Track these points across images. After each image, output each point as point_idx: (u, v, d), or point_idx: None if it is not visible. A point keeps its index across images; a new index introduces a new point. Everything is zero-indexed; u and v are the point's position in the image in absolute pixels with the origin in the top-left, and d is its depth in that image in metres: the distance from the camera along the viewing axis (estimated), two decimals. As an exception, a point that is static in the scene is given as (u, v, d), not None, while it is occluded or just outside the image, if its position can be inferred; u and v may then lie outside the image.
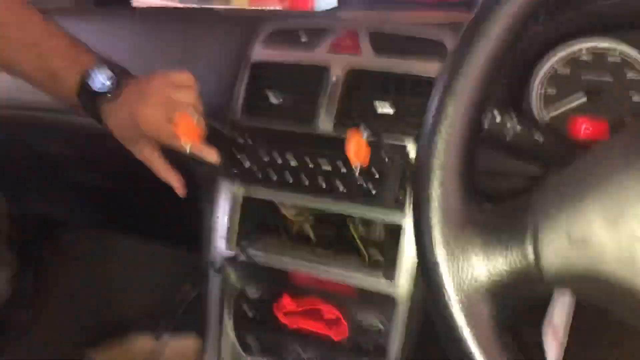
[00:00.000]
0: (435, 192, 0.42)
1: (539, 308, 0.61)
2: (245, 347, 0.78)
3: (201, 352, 0.80)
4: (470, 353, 0.39)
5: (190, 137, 0.66)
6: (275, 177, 0.74)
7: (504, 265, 0.39)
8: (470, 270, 0.40)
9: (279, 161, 0.74)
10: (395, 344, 0.70)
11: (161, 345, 0.76)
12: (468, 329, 0.39)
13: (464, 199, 0.42)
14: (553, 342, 0.62)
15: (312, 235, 0.84)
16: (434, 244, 0.41)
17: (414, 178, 0.44)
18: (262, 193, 0.77)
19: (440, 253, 0.41)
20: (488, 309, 0.39)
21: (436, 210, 0.42)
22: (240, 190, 0.78)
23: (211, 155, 0.71)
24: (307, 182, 0.73)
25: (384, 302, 0.71)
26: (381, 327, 0.73)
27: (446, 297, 0.40)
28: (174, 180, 0.75)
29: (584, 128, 0.65)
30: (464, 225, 0.41)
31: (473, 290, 0.40)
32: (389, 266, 0.74)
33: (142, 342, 1.33)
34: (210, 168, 0.79)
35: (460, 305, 0.39)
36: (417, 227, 0.42)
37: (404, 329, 0.70)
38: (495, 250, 0.40)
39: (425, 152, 0.43)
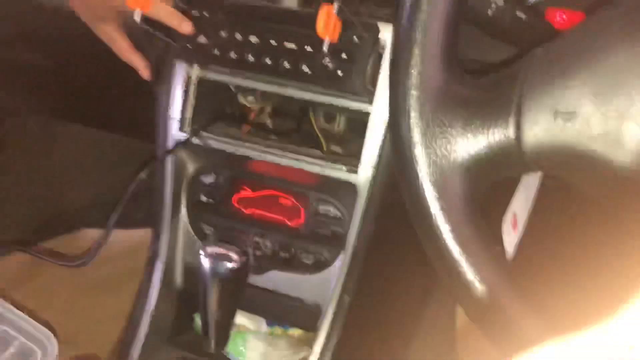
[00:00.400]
0: (416, 66, 0.39)
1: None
2: (200, 234, 0.77)
3: (154, 241, 0.78)
4: (440, 229, 0.38)
5: (138, 2, 0.61)
6: (234, 56, 0.69)
7: (483, 141, 0.37)
8: (448, 146, 0.38)
9: (239, 37, 0.69)
10: (354, 231, 0.69)
11: (110, 236, 0.73)
12: (439, 205, 0.38)
13: (446, 73, 0.39)
14: (511, 230, 0.63)
15: (270, 125, 0.81)
16: (410, 115, 0.39)
17: (393, 51, 0.41)
18: (219, 74, 0.72)
19: (415, 125, 0.39)
20: (462, 186, 0.38)
21: (415, 80, 0.39)
22: (195, 71, 0.73)
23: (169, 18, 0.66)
24: (269, 62, 0.68)
25: (344, 191, 0.70)
26: (339, 214, 0.72)
27: (421, 174, 0.38)
28: (138, 61, 0.71)
29: (559, 15, 0.62)
30: (445, 99, 0.39)
31: (449, 167, 0.38)
32: (351, 157, 0.72)
33: (92, 235, 1.30)
34: (163, 48, 0.74)
35: (434, 181, 0.38)
36: (395, 101, 0.40)
37: (362, 216, 0.69)
38: (475, 125, 0.38)
39: (406, 25, 0.40)
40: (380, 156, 0.67)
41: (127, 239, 1.13)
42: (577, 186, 0.38)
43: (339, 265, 0.71)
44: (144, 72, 0.73)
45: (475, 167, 0.38)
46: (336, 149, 0.80)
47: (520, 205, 0.64)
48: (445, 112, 0.38)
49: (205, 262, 0.63)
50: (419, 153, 0.38)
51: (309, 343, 0.79)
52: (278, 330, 0.81)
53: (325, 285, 0.73)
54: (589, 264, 0.78)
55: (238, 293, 0.66)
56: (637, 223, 0.37)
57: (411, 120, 0.38)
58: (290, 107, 0.80)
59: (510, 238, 0.63)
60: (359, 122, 0.70)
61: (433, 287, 0.96)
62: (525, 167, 0.38)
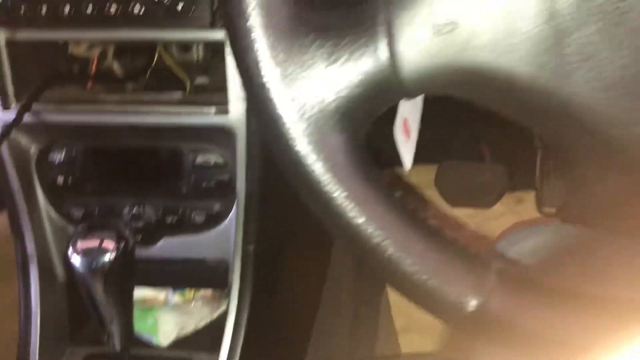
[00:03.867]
0: None
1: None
2: (67, 217, 0.66)
3: (19, 241, 0.67)
4: (330, 192, 0.31)
5: None
6: (44, 10, 0.56)
7: (355, 77, 0.30)
8: (313, 90, 0.30)
9: None
10: (241, 177, 0.62)
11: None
12: (321, 166, 0.31)
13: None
14: (405, 138, 0.58)
15: (118, 70, 0.69)
16: (261, 62, 0.31)
17: None
18: (32, 34, 0.59)
19: (271, 75, 0.31)
20: (341, 135, 0.31)
21: (258, 17, 0.30)
22: (1, 35, 0.59)
23: None
24: (90, 10, 0.56)
25: (220, 134, 0.61)
26: (221, 160, 0.64)
27: (289, 132, 0.31)
28: None
29: None
30: (298, 33, 0.31)
31: (320, 116, 0.31)
32: (218, 92, 0.63)
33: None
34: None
35: (308, 138, 0.30)
36: (236, 44, 0.31)
37: (246, 158, 0.61)
38: (342, 59, 0.30)
39: None
40: None
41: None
42: (472, 101, 0.33)
43: (235, 215, 0.65)
44: None
45: (352, 109, 0.31)
46: (202, 80, 0.70)
47: (409, 108, 0.58)
48: (303, 50, 0.30)
49: (78, 260, 0.54)
50: (284, 109, 0.30)
51: (225, 297, 0.73)
52: (189, 293, 0.74)
53: (226, 238, 0.66)
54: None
55: (127, 281, 0.58)
56: (542, 132, 0.32)
57: (265, 70, 0.30)
58: (136, 43, 0.68)
59: (406, 146, 0.58)
60: (220, 46, 0.60)
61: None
62: (408, 94, 0.32)
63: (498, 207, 1.18)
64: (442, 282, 0.32)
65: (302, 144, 0.31)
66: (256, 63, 0.30)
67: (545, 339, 0.32)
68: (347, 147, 0.31)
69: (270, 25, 0.30)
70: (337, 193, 0.31)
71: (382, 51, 0.30)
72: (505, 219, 1.17)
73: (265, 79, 0.31)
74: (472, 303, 0.32)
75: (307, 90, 0.31)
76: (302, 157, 0.31)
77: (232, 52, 0.32)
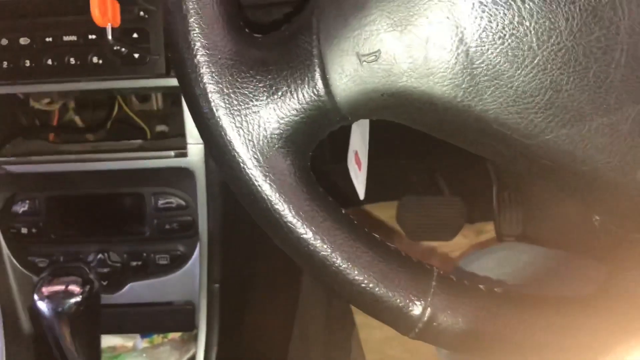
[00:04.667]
0: (197, 39, 0.33)
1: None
2: (32, 269, 0.67)
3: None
4: (279, 212, 0.33)
5: None
6: (5, 64, 0.58)
7: (295, 106, 0.33)
8: (258, 119, 0.33)
9: (4, 42, 0.58)
10: (202, 217, 0.64)
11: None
12: (269, 188, 0.33)
13: (234, 39, 0.34)
14: (357, 169, 0.61)
15: (78, 121, 0.72)
16: (207, 95, 0.34)
17: (166, 26, 0.35)
18: None
19: (218, 107, 0.33)
20: (287, 159, 0.34)
21: (202, 57, 0.33)
22: None
23: None
24: (51, 62, 0.59)
25: (180, 176, 0.64)
26: (183, 202, 0.66)
27: (238, 158, 0.33)
28: None
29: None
30: (240, 67, 0.34)
31: (266, 143, 0.33)
32: (177, 137, 0.66)
33: None
34: None
35: (255, 163, 0.33)
36: (187, 85, 0.34)
37: (207, 198, 0.64)
38: (282, 90, 0.33)
39: None
40: None
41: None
42: (404, 124, 0.36)
43: (199, 256, 0.66)
44: None
45: (294, 134, 0.34)
46: (162, 128, 0.73)
47: (358, 141, 0.62)
48: (246, 84, 0.33)
49: (44, 305, 0.55)
50: (232, 136, 0.33)
51: (193, 339, 0.74)
52: (157, 338, 0.75)
53: (191, 280, 0.68)
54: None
55: (93, 324, 0.59)
56: (471, 145, 0.35)
57: (212, 104, 0.33)
58: (95, 95, 0.71)
59: (359, 177, 0.61)
60: (176, 92, 0.63)
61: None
62: (345, 119, 0.35)
63: (460, 239, 1.21)
64: (388, 289, 0.34)
65: (250, 168, 0.33)
66: (203, 96, 0.33)
67: (488, 338, 0.35)
68: (292, 169, 0.34)
69: (215, 62, 0.33)
70: (286, 211, 0.34)
71: (318, 81, 0.33)
72: (468, 250, 1.20)
73: (212, 111, 0.33)
74: (417, 306, 0.34)
75: (251, 119, 0.33)
76: (251, 181, 0.34)
77: (181, 88, 0.35)
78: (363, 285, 0.34)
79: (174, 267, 0.67)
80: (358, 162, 0.61)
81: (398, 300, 0.34)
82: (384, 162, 0.67)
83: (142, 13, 0.57)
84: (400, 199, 1.15)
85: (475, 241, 1.24)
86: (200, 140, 0.62)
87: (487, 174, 1.22)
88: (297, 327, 0.91)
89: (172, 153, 0.63)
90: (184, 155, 0.62)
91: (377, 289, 0.34)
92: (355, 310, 1.17)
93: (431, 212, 1.14)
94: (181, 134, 0.65)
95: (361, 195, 0.60)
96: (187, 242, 0.67)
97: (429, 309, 0.34)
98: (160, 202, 0.66)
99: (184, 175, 0.64)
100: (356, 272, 0.34)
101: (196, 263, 0.67)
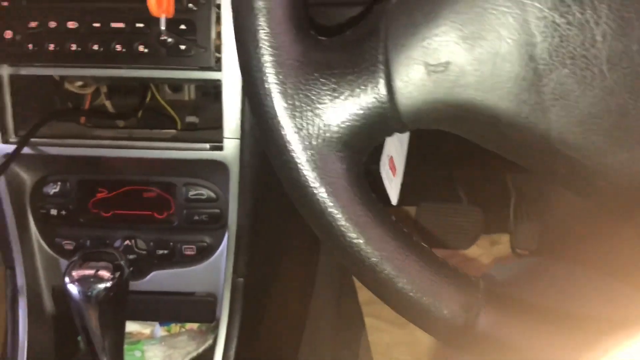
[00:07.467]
0: (266, 40, 0.33)
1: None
2: (59, 250, 0.67)
3: (9, 273, 0.68)
4: (332, 215, 0.34)
5: None
6: (52, 47, 0.59)
7: (356, 110, 0.33)
8: (319, 122, 0.33)
9: (54, 25, 0.58)
10: (232, 210, 0.64)
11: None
12: (324, 190, 0.34)
13: (301, 41, 0.34)
14: (391, 175, 0.61)
15: (110, 107, 0.72)
16: (272, 97, 0.34)
17: (236, 24, 0.35)
18: (38, 69, 0.62)
19: (280, 107, 0.34)
20: (343, 163, 0.34)
21: (269, 56, 0.34)
22: (5, 70, 0.62)
23: None
24: (97, 48, 0.59)
25: (213, 169, 0.64)
26: (213, 195, 0.66)
27: (297, 159, 0.34)
28: None
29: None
30: (305, 69, 0.34)
31: (323, 144, 0.34)
32: (210, 128, 0.66)
33: None
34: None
35: (314, 165, 0.33)
36: (251, 83, 0.34)
37: (238, 192, 0.64)
38: (344, 94, 0.33)
39: None
40: (243, 124, 0.62)
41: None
42: (463, 136, 0.36)
43: (225, 249, 0.66)
44: None
45: (353, 139, 0.34)
46: (192, 119, 0.73)
47: (395, 147, 0.62)
48: (310, 86, 0.34)
49: (74, 289, 0.55)
50: (291, 137, 0.33)
51: (211, 330, 0.74)
52: (175, 327, 0.75)
53: (215, 272, 0.68)
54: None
55: (121, 310, 0.59)
56: (524, 163, 0.36)
57: (275, 103, 0.33)
58: (127, 81, 0.71)
59: (392, 183, 0.61)
60: (213, 85, 0.63)
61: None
62: (403, 127, 0.35)
63: (474, 249, 1.21)
64: (435, 299, 0.35)
65: (307, 170, 0.34)
66: (267, 95, 0.34)
67: (530, 352, 0.35)
68: (347, 174, 0.34)
69: (280, 63, 0.34)
70: (339, 215, 0.34)
71: (382, 88, 0.33)
72: (482, 260, 1.20)
73: (274, 110, 0.34)
74: (462, 318, 0.34)
75: (312, 121, 0.34)
76: (306, 182, 0.34)
77: (244, 84, 0.35)
78: (411, 294, 0.35)
79: (199, 258, 0.68)
80: (392, 168, 0.61)
81: (445, 312, 0.35)
82: (405, 169, 0.67)
83: (190, 5, 0.57)
84: (418, 204, 1.15)
85: (489, 251, 1.24)
86: (237, 135, 0.62)
87: (505, 186, 1.22)
88: (308, 325, 0.92)
89: (207, 145, 0.63)
90: (220, 148, 0.62)
91: (424, 299, 0.35)
92: (366, 312, 1.18)
93: (449, 220, 1.14)
94: (211, 126, 0.65)
95: (394, 201, 0.60)
96: (214, 234, 0.67)
97: (474, 320, 0.35)
98: (191, 193, 0.66)
99: (217, 168, 0.64)
100: (405, 281, 0.35)
101: (221, 256, 0.67)
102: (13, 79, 0.62)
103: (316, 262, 0.99)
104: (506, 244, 1.24)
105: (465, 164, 1.05)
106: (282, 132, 0.34)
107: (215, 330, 0.70)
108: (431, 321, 0.35)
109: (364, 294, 1.17)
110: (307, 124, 0.34)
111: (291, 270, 0.85)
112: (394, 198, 0.61)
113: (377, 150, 0.61)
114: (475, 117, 0.33)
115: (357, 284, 1.12)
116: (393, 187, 0.61)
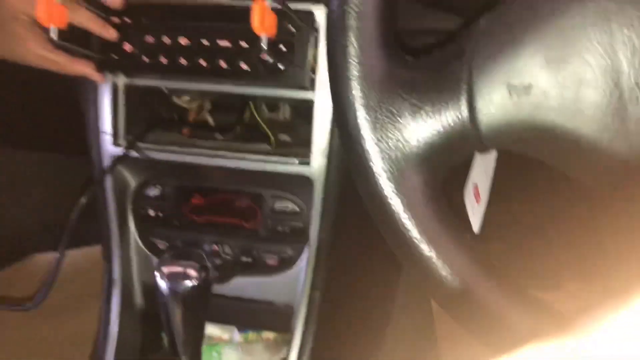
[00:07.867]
0: (355, 56, 0.36)
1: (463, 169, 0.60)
2: (154, 250, 0.72)
3: (107, 265, 0.74)
4: (405, 226, 0.35)
5: (54, 20, 0.56)
6: (165, 61, 0.64)
7: (437, 127, 0.35)
8: (399, 136, 0.35)
9: (167, 41, 0.64)
10: (315, 224, 0.67)
11: (61, 259, 0.69)
12: (400, 201, 0.35)
13: (387, 58, 0.36)
14: (475, 202, 0.61)
15: (212, 122, 0.77)
16: (355, 108, 0.36)
17: (328, 41, 0.38)
18: (150, 80, 0.68)
19: (362, 119, 0.36)
20: (421, 177, 0.35)
21: (355, 70, 0.36)
22: (122, 79, 0.68)
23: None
24: (204, 64, 0.64)
25: (299, 184, 0.67)
26: (297, 208, 0.69)
27: (375, 170, 0.35)
28: (84, 68, 0.65)
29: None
30: (389, 85, 0.36)
31: (403, 158, 0.35)
32: (300, 146, 0.69)
33: (43, 260, 1.24)
34: (83, 59, 0.68)
35: (391, 176, 0.35)
36: (338, 95, 0.37)
37: (321, 207, 0.66)
38: (426, 111, 0.35)
39: (338, 11, 0.36)
40: (331, 143, 0.64)
41: (81, 258, 1.08)
42: (540, 159, 0.36)
43: (305, 262, 0.69)
44: (96, 75, 0.66)
45: (432, 155, 0.35)
46: (285, 137, 0.76)
47: (480, 175, 0.62)
48: (392, 101, 0.35)
49: (163, 283, 0.59)
50: (371, 148, 0.35)
51: (286, 343, 0.76)
52: (252, 335, 0.78)
53: (293, 283, 0.70)
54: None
55: (203, 309, 0.62)
56: (601, 188, 0.35)
57: (358, 115, 0.35)
58: (229, 99, 0.76)
59: (475, 210, 0.61)
60: (306, 106, 0.67)
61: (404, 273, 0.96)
62: (482, 147, 0.36)
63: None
64: (501, 322, 0.35)
65: (385, 182, 0.35)
66: (351, 108, 0.36)
67: None
68: (424, 188, 0.35)
69: (367, 78, 0.36)
70: (412, 228, 0.35)
71: (463, 106, 0.34)
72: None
73: (357, 122, 0.36)
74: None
75: (392, 135, 0.35)
76: (383, 193, 0.35)
77: (331, 96, 0.37)
78: (479, 314, 0.35)
79: (280, 269, 0.70)
80: (477, 196, 0.61)
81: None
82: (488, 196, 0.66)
83: (292, 28, 0.61)
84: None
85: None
86: (324, 153, 0.65)
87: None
88: (383, 347, 0.92)
89: (296, 160, 0.66)
90: (307, 163, 0.65)
91: (492, 320, 0.35)
92: (440, 336, 1.15)
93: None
94: (303, 144, 0.68)
95: (476, 229, 0.60)
96: (296, 246, 0.69)
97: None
98: (277, 205, 0.69)
99: (303, 182, 0.67)
100: (473, 299, 0.35)
101: (301, 268, 0.69)
102: (127, 88, 0.68)
103: (397, 283, 0.99)
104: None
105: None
106: (363, 144, 0.36)
107: (289, 343, 0.72)
108: (495, 340, 0.35)
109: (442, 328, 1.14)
110: (388, 137, 0.35)
111: (370, 288, 0.85)
112: (476, 226, 0.61)
113: (463, 177, 0.61)
114: (555, 141, 0.34)
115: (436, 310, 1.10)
116: (476, 215, 0.61)
